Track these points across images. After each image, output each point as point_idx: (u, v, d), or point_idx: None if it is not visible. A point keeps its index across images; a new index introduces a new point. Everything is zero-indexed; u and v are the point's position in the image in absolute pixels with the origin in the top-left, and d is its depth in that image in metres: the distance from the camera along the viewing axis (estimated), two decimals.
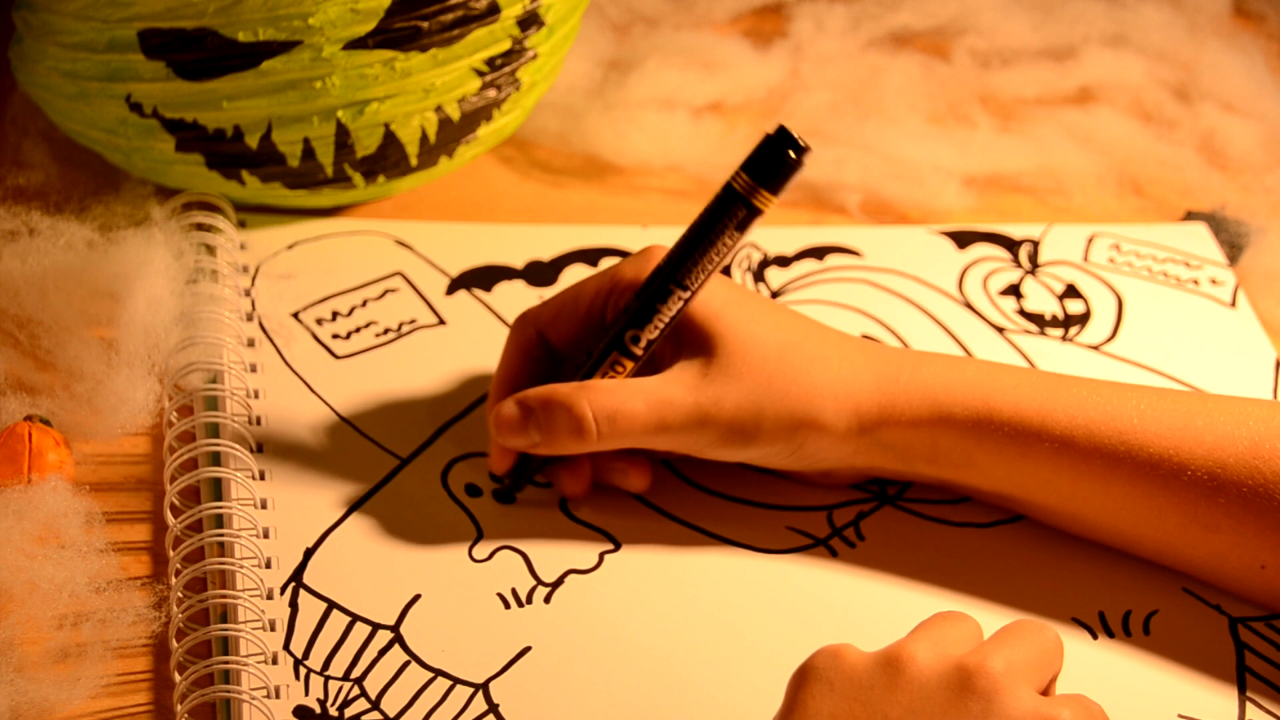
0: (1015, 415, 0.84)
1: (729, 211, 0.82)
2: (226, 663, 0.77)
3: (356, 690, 0.78)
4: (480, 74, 0.94)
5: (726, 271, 0.98)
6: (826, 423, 0.84)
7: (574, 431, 0.83)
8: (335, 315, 0.94)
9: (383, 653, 0.79)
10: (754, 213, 0.82)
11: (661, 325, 0.84)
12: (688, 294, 0.83)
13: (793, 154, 0.81)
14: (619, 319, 0.84)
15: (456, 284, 0.97)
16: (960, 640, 0.71)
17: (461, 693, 0.78)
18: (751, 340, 0.84)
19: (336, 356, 0.92)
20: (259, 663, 0.77)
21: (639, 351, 0.84)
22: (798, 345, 0.85)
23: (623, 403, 0.83)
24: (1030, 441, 0.83)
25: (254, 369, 0.90)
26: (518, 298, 0.96)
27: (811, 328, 0.86)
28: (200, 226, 0.95)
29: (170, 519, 0.82)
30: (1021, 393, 0.84)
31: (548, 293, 0.96)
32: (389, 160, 0.95)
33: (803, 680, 0.69)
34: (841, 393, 0.84)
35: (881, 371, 0.85)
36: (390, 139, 0.94)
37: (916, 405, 0.84)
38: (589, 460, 0.86)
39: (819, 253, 1.01)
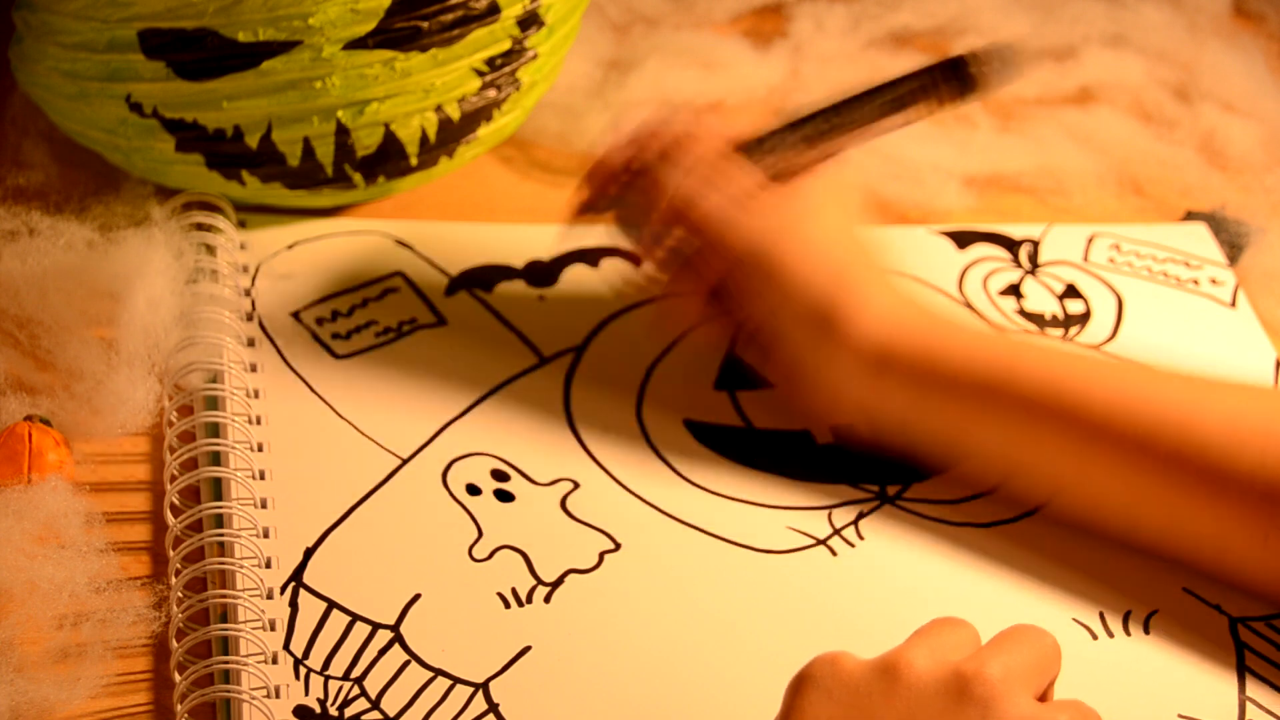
0: (1030, 382, 0.85)
1: (906, 90, 0.88)
2: (226, 663, 0.77)
3: (356, 690, 0.78)
4: (480, 74, 0.94)
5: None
6: (856, 326, 0.86)
7: (640, 189, 0.89)
8: (335, 315, 0.94)
9: (383, 652, 0.79)
10: (927, 98, 0.88)
11: (791, 143, 0.89)
12: (825, 134, 0.89)
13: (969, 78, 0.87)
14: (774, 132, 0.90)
15: (456, 284, 0.97)
16: (958, 646, 0.71)
17: (461, 692, 0.78)
18: (822, 238, 0.88)
19: (336, 356, 0.92)
20: (259, 662, 0.77)
21: (758, 154, 0.89)
22: (853, 263, 0.88)
23: (697, 193, 0.87)
24: (1039, 414, 0.85)
25: (254, 369, 0.90)
26: (518, 297, 0.96)
27: (868, 255, 0.89)
28: (200, 226, 0.95)
29: (170, 519, 0.82)
30: (1041, 366, 0.85)
31: (548, 293, 0.96)
32: (389, 160, 0.95)
33: (800, 687, 0.69)
34: (876, 314, 0.86)
35: (919, 317, 0.87)
36: (390, 139, 0.94)
37: (936, 356, 0.86)
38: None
39: None
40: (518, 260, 0.98)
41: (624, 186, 0.91)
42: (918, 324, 0.87)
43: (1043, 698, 0.72)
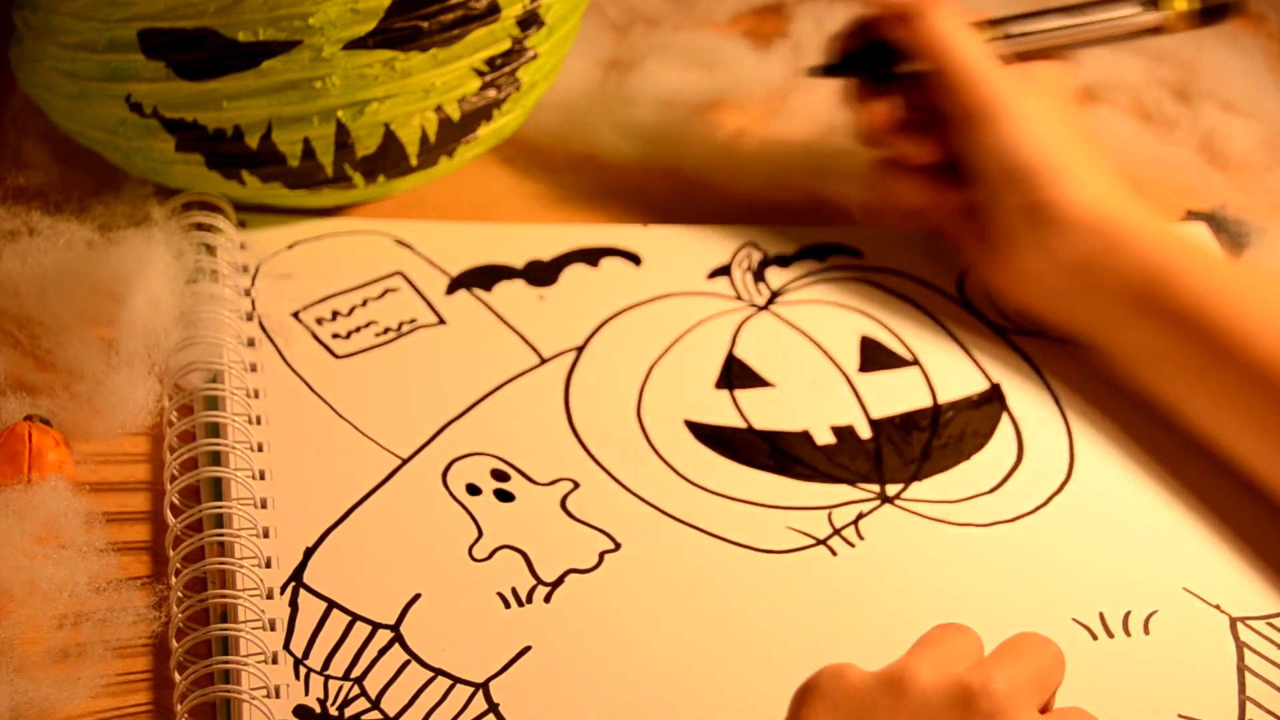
0: (1183, 297, 0.90)
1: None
2: (226, 662, 0.77)
3: (356, 690, 0.78)
4: (480, 74, 0.94)
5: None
6: (1078, 185, 0.92)
7: (906, 15, 0.96)
8: (335, 315, 0.94)
9: (383, 652, 0.79)
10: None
11: (1030, 32, 0.97)
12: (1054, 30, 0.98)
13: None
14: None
15: (456, 283, 0.97)
16: (963, 655, 0.71)
17: (461, 692, 0.78)
18: (1049, 110, 0.95)
19: (336, 356, 0.92)
20: (259, 662, 0.77)
21: (1005, 34, 0.97)
22: (1070, 141, 0.94)
23: (959, 33, 0.95)
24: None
25: (254, 369, 0.90)
26: (518, 297, 0.96)
27: (1084, 138, 0.96)
28: (200, 226, 0.95)
29: (170, 518, 0.82)
30: (1198, 284, 0.90)
31: (548, 292, 0.96)
32: (389, 160, 0.95)
33: (805, 698, 0.69)
34: (1079, 189, 0.92)
35: (1115, 204, 0.93)
36: (390, 139, 0.94)
37: (1113, 247, 0.91)
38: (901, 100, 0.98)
39: (819, 252, 1.01)
40: (518, 260, 0.98)
41: (870, 43, 0.99)
42: (1110, 210, 0.92)
43: (1046, 707, 0.72)
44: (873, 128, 0.99)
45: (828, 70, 1.00)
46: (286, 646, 0.79)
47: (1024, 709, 0.69)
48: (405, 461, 0.87)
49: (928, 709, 0.68)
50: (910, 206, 1.00)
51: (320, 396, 0.90)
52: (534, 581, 0.83)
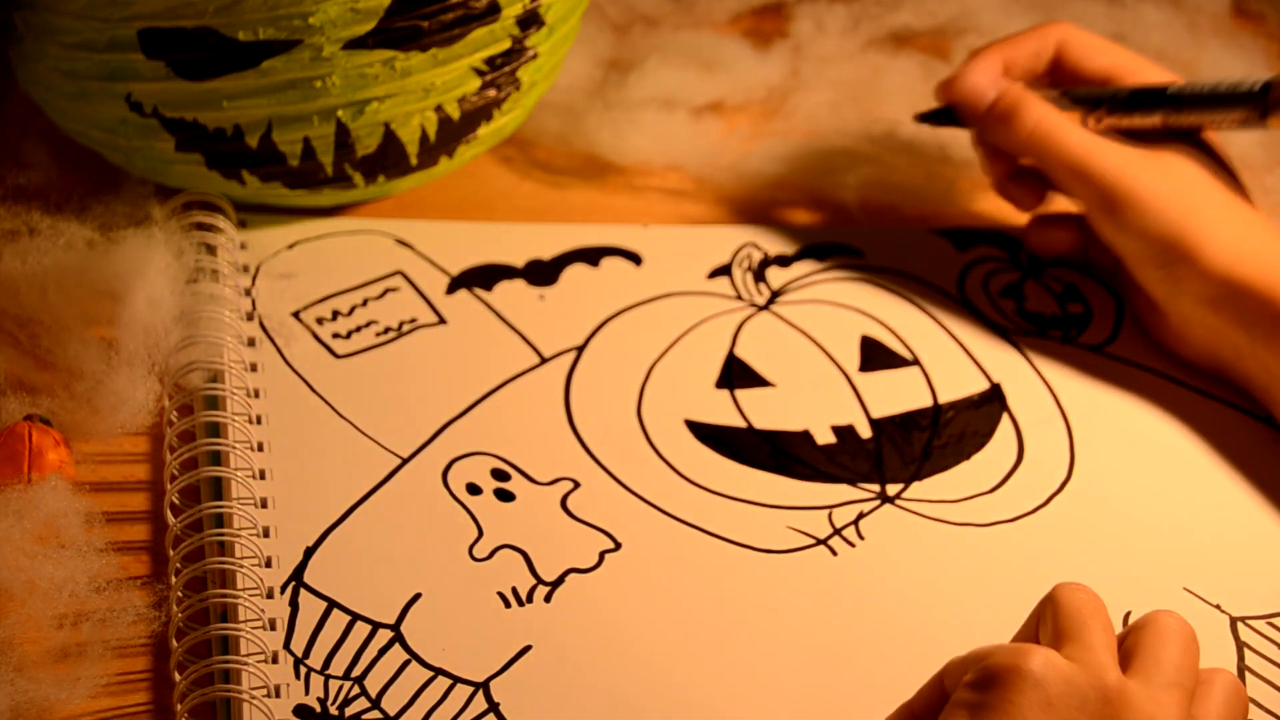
0: None
1: (1249, 100, 0.93)
2: (226, 662, 0.77)
3: (357, 689, 0.78)
4: (480, 74, 0.94)
5: None
6: (1208, 254, 0.91)
7: (1003, 120, 0.95)
8: (336, 314, 0.94)
9: (383, 652, 0.79)
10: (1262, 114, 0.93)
11: (1135, 123, 0.95)
12: (1171, 118, 0.95)
13: None
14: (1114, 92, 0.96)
15: (457, 283, 0.97)
16: (1111, 646, 0.69)
17: (462, 692, 0.78)
18: (1176, 176, 0.94)
19: (337, 356, 0.92)
20: (259, 662, 0.77)
21: (1104, 123, 0.95)
22: (1205, 200, 0.93)
23: (1060, 129, 0.94)
24: None
25: (254, 368, 0.90)
26: (518, 297, 0.96)
27: (1220, 194, 0.94)
28: (200, 226, 0.95)
29: (170, 518, 0.82)
30: None
31: (548, 292, 0.96)
32: (389, 160, 0.95)
33: (1013, 683, 0.66)
34: (1222, 246, 0.91)
35: (1268, 253, 0.91)
36: (390, 139, 0.94)
37: (1268, 295, 0.90)
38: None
39: (819, 252, 1.01)
40: (518, 259, 0.98)
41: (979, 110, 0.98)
42: (1262, 260, 0.91)
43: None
44: (990, 176, 1.00)
45: (931, 118, 1.01)
46: (287, 646, 0.79)
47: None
48: (405, 461, 0.87)
49: None
50: (1063, 251, 1.00)
51: (320, 396, 0.90)
52: (534, 581, 0.83)
